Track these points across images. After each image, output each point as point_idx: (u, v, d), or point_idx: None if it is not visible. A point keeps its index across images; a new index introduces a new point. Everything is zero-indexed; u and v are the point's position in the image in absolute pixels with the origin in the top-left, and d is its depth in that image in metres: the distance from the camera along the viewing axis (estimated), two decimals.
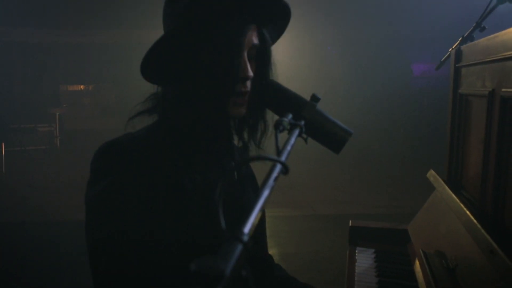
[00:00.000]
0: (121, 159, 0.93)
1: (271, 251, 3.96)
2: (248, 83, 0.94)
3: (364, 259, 1.63)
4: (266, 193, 0.59)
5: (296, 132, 0.83)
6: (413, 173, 6.22)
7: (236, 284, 0.44)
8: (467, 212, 1.18)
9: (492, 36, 1.26)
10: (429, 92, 7.96)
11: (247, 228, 0.49)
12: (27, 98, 9.49)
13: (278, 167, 0.64)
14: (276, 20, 1.04)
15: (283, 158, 0.69)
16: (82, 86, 10.65)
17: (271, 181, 0.62)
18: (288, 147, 0.74)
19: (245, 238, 0.47)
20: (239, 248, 0.45)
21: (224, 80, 0.90)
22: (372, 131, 7.86)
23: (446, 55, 1.92)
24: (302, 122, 0.88)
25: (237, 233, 0.47)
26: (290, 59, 8.37)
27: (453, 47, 1.84)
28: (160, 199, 0.90)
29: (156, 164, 0.92)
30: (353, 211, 5.15)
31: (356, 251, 1.71)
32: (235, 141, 1.12)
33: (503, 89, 1.11)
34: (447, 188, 1.45)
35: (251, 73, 0.92)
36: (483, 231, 1.02)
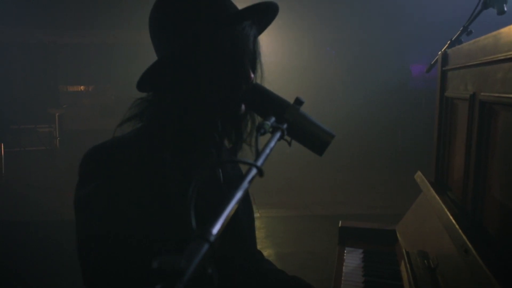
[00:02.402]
0: (108, 162, 0.96)
1: (268, 251, 4.01)
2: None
3: (352, 259, 1.66)
4: (238, 194, 0.62)
5: (277, 135, 0.86)
6: (409, 174, 6.25)
7: (201, 282, 0.47)
8: (448, 212, 1.21)
9: (473, 41, 1.29)
10: (427, 93, 7.98)
11: (215, 229, 0.52)
12: (27, 99, 9.51)
13: (254, 170, 0.67)
14: (264, 20, 1.08)
15: (259, 162, 0.72)
16: (82, 87, 10.67)
17: (245, 183, 0.65)
18: (267, 150, 0.77)
19: (212, 238, 0.49)
20: (205, 247, 0.48)
21: (235, 83, 0.97)
22: (370, 131, 7.89)
23: (436, 58, 1.95)
24: (285, 125, 0.91)
25: (205, 233, 0.50)
26: (289, 59, 8.40)
27: (442, 50, 1.88)
28: (146, 201, 0.93)
29: (142, 168, 0.95)
30: (348, 211, 5.18)
31: (345, 251, 1.74)
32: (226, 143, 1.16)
33: (482, 93, 1.13)
34: (431, 189, 1.48)
35: (252, 75, 0.98)
36: (460, 231, 1.05)
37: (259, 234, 4.30)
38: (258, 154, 0.74)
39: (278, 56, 8.15)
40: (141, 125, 1.06)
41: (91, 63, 9.90)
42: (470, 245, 0.95)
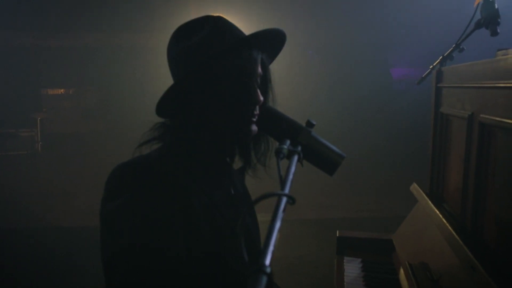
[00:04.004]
0: (135, 179, 0.99)
1: None
2: (258, 106, 1.02)
3: (352, 269, 1.72)
4: (277, 224, 0.66)
5: (295, 158, 0.91)
6: (394, 177, 6.40)
7: None
8: (449, 227, 1.28)
9: (471, 63, 1.36)
10: (408, 96, 8.17)
11: (267, 260, 0.56)
12: (8, 103, 9.32)
13: (285, 199, 0.71)
14: (274, 48, 1.13)
15: (286, 190, 0.76)
16: (62, 90, 10.51)
17: (280, 213, 0.69)
18: (290, 176, 0.81)
19: (268, 270, 0.54)
20: (264, 279, 0.52)
21: (244, 106, 1.01)
22: (354, 135, 8.02)
23: (427, 71, 2.03)
24: (299, 148, 0.96)
25: (261, 266, 0.54)
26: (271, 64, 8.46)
27: (433, 64, 1.96)
28: (172, 217, 0.96)
29: (167, 185, 0.99)
30: (337, 215, 5.26)
31: (344, 260, 1.80)
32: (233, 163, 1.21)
33: (482, 115, 1.21)
34: (429, 202, 1.55)
35: (262, 98, 1.02)
36: (464, 247, 1.12)
37: None
38: (283, 182, 0.79)
39: None
40: (161, 145, 1.10)
41: (72, 66, 9.76)
42: (476, 262, 1.01)
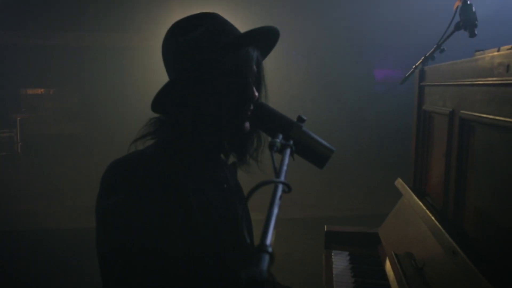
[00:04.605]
0: (131, 175, 1.01)
1: None
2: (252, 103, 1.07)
3: (340, 261, 1.78)
4: (275, 210, 0.71)
5: (288, 151, 0.96)
6: (378, 176, 6.51)
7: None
8: (432, 217, 1.34)
9: (452, 62, 1.44)
10: (391, 97, 8.32)
11: (268, 241, 0.60)
12: None
13: (281, 187, 0.76)
14: (267, 45, 1.17)
15: (282, 178, 0.81)
16: (42, 90, 10.33)
17: (277, 200, 0.74)
18: (284, 167, 0.86)
19: (270, 249, 0.58)
20: (267, 258, 0.56)
21: (240, 102, 1.04)
22: (339, 136, 8.13)
23: (410, 71, 2.11)
24: (291, 142, 1.01)
25: (263, 246, 0.58)
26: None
27: (416, 64, 2.04)
28: (168, 214, 0.99)
29: (163, 182, 1.02)
30: (322, 214, 5.33)
31: (332, 254, 1.86)
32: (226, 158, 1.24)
33: (462, 111, 1.28)
34: (413, 195, 1.62)
35: (257, 94, 1.05)
36: (446, 234, 1.18)
37: None
38: (278, 171, 0.83)
39: None
40: (155, 141, 1.12)
41: (53, 66, 9.60)
42: (458, 248, 1.08)
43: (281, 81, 8.59)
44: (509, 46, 1.14)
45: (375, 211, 5.11)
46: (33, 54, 9.50)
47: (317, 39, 8.99)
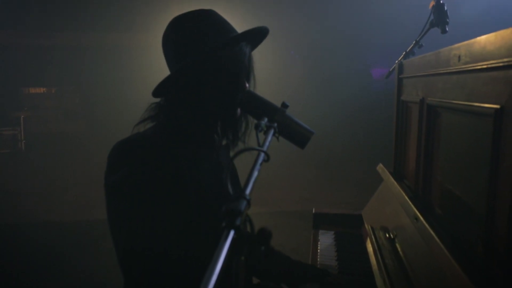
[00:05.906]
0: (134, 153, 1.17)
1: None
2: None
3: (326, 239, 1.94)
4: (255, 173, 0.87)
5: (271, 132, 1.12)
6: (372, 172, 6.67)
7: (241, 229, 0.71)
8: (404, 194, 1.50)
9: (422, 55, 1.60)
10: (386, 95, 8.48)
11: (247, 191, 0.76)
12: None
13: (262, 155, 0.92)
14: (256, 41, 1.33)
15: (264, 148, 0.97)
16: (43, 89, 10.48)
17: (258, 165, 0.89)
18: (267, 143, 1.02)
19: (248, 197, 0.74)
20: (245, 203, 0.72)
21: (233, 92, 1.20)
22: (335, 133, 8.30)
23: (393, 66, 2.27)
24: (275, 124, 1.17)
25: (243, 194, 0.74)
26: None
27: (398, 59, 2.20)
28: (165, 188, 1.14)
29: (161, 158, 1.17)
30: (317, 207, 5.48)
31: (319, 233, 2.01)
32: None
33: (429, 98, 1.43)
34: (391, 177, 1.78)
35: (247, 85, 1.21)
36: (413, 206, 1.34)
37: None
38: (260, 144, 0.99)
39: None
40: (155, 124, 1.28)
41: (54, 65, 9.74)
42: (419, 214, 1.23)
43: (278, 80, 8.75)
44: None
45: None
46: (34, 54, 9.65)
47: (315, 38, 9.14)
